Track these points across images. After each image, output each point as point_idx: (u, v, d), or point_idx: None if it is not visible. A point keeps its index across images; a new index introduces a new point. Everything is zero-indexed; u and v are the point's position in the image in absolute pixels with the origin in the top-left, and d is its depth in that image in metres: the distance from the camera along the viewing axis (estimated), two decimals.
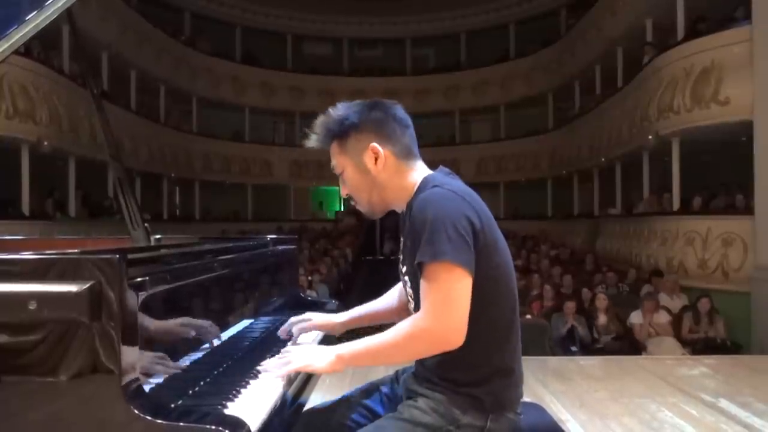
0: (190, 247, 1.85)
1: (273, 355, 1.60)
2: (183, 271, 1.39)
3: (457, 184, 1.47)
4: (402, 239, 1.53)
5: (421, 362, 1.52)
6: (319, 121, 1.53)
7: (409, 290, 1.52)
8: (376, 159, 1.48)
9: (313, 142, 1.54)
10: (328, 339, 1.87)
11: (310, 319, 1.79)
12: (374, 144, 1.48)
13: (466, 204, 1.38)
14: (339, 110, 1.53)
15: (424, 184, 1.47)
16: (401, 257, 1.55)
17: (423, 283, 1.34)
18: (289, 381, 1.44)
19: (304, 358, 1.42)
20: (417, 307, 1.42)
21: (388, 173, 1.50)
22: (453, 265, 1.30)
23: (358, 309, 1.83)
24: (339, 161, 1.53)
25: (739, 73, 8.28)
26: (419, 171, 1.53)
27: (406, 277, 1.52)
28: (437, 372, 1.45)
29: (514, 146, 18.64)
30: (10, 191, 9.11)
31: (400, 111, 1.54)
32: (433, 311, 1.32)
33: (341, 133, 1.50)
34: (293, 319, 1.80)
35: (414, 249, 1.37)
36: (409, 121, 1.55)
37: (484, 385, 1.41)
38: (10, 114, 8.64)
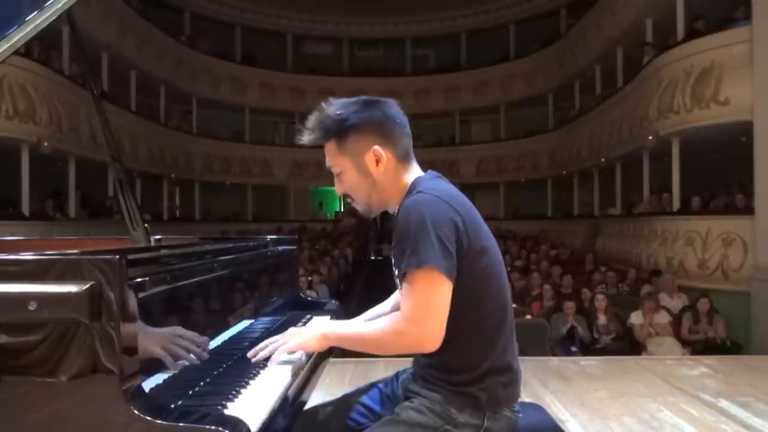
0: (190, 248, 1.85)
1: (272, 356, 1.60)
2: (183, 272, 1.39)
3: (444, 187, 1.45)
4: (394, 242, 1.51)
5: (417, 362, 1.52)
6: (315, 118, 1.48)
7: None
8: (377, 161, 1.46)
9: (307, 138, 1.49)
10: None
11: None
12: (377, 147, 1.45)
13: (450, 208, 1.37)
14: (336, 107, 1.48)
15: (412, 188, 1.45)
16: (393, 261, 1.53)
17: (404, 287, 1.35)
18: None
19: (295, 340, 1.49)
20: None
21: (388, 175, 1.48)
22: (434, 271, 1.30)
23: (365, 315, 1.82)
24: (337, 161, 1.50)
25: (739, 74, 8.29)
26: (413, 172, 1.51)
27: (398, 280, 1.51)
28: (433, 371, 1.45)
29: (514, 146, 18.64)
30: (10, 191, 9.11)
31: (397, 110, 1.51)
32: (411, 316, 1.33)
33: (340, 133, 1.46)
34: None
35: (399, 255, 1.37)
36: (406, 121, 1.52)
37: (480, 383, 1.41)
38: (10, 114, 8.65)
